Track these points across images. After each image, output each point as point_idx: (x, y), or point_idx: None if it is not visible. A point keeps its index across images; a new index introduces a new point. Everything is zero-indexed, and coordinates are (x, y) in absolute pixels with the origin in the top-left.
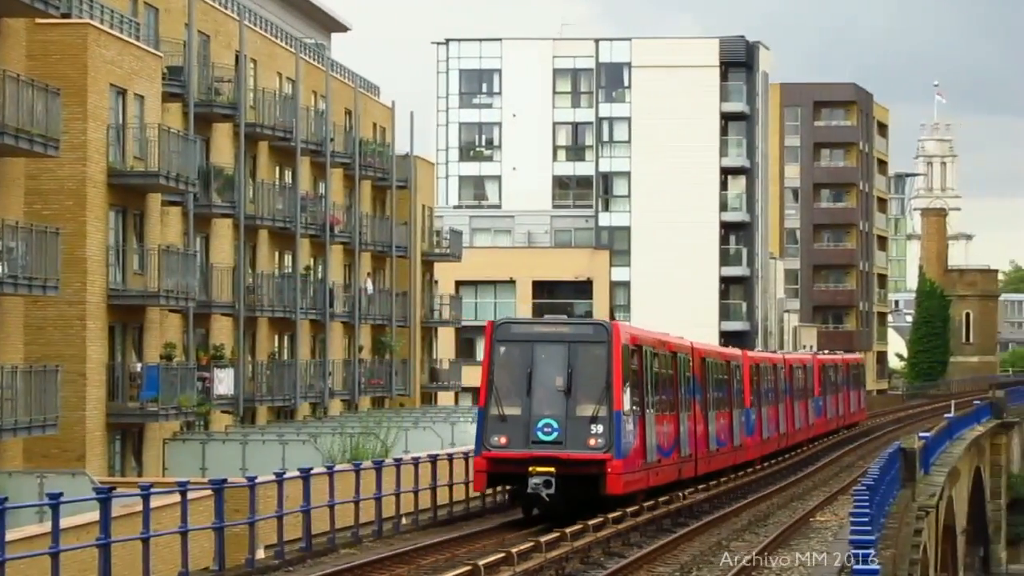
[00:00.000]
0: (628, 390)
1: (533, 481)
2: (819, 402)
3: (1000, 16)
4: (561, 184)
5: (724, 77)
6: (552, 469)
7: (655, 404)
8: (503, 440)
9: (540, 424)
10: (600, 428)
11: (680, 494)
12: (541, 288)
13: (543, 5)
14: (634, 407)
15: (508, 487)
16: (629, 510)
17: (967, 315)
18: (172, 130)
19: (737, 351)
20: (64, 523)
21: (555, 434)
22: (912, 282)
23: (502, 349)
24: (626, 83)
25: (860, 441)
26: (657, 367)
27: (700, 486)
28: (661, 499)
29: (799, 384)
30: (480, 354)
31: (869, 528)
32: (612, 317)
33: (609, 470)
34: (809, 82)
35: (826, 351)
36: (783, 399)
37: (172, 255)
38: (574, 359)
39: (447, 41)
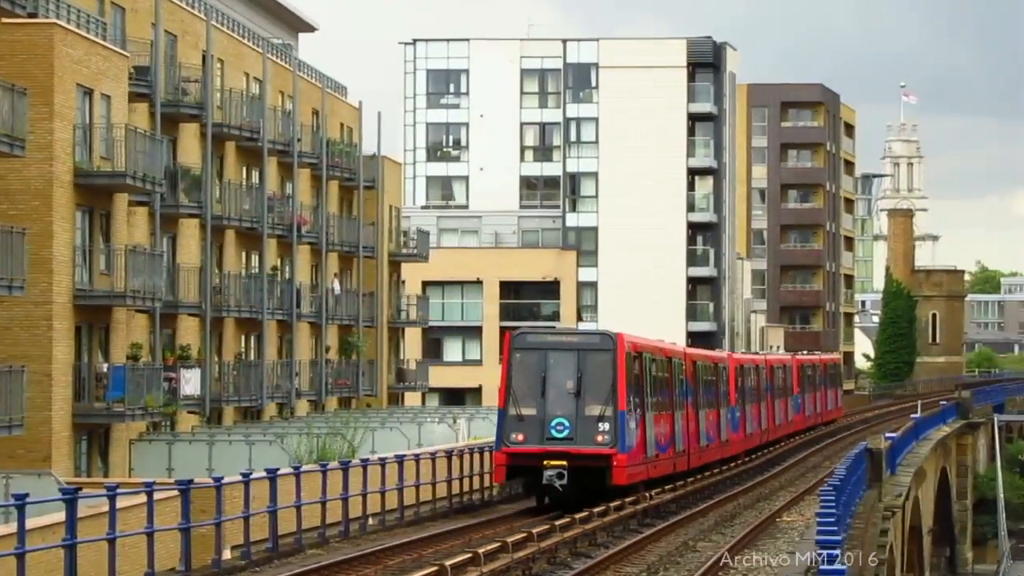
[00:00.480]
0: (630, 392)
1: (547, 473)
2: (798, 400)
3: (967, 18)
4: (528, 184)
5: (691, 78)
6: (564, 463)
7: (654, 404)
8: (520, 437)
9: (553, 423)
10: (606, 426)
11: (647, 494)
12: (508, 288)
13: (510, 6)
14: (636, 407)
15: (475, 487)
16: (596, 510)
17: (933, 316)
18: (139, 130)
19: (724, 354)
20: (30, 524)
21: (567, 431)
22: (879, 283)
23: (518, 356)
24: (593, 83)
25: (826, 442)
26: (655, 371)
27: (667, 486)
28: (628, 499)
29: (779, 383)
30: (447, 354)
31: (835, 528)
32: (579, 318)
33: (615, 463)
34: (776, 83)
35: (804, 352)
36: (765, 397)
37: (139, 255)
38: (583, 365)
39: (414, 41)
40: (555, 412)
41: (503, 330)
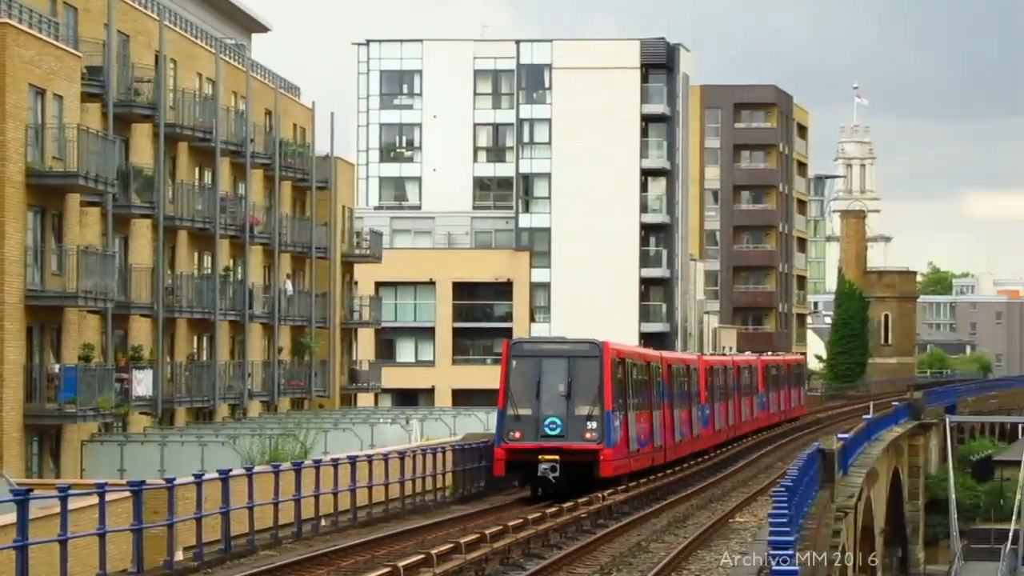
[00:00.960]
0: (615, 394)
1: (542, 467)
2: (763, 398)
3: (919, 20)
4: (481, 185)
5: (645, 79)
6: (557, 457)
7: (635, 404)
8: (518, 435)
9: (547, 421)
10: (594, 424)
11: (600, 495)
12: (461, 289)
13: (464, 7)
14: (620, 407)
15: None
16: (549, 511)
17: (886, 316)
18: (91, 130)
19: (694, 356)
20: None
21: (559, 429)
22: (831, 284)
23: (515, 363)
24: (547, 84)
25: (779, 443)
26: (636, 374)
27: (621, 486)
28: (581, 500)
29: (745, 383)
30: (400, 355)
31: (788, 529)
32: (532, 319)
33: (602, 458)
34: (729, 84)
35: (769, 352)
36: (732, 396)
37: (91, 256)
38: (573, 370)
39: (368, 42)
40: (548, 412)
41: (456, 331)
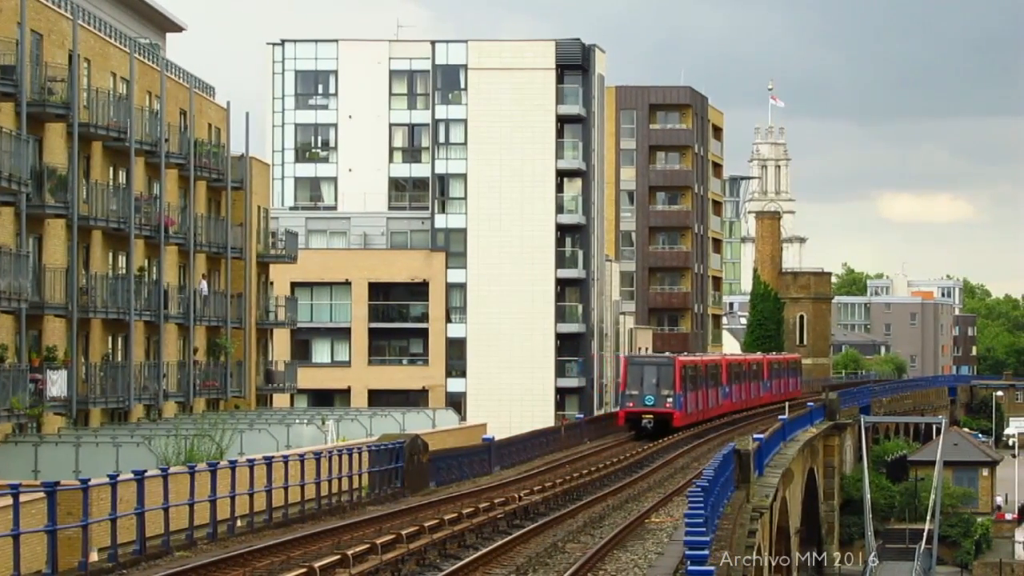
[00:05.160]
0: (682, 383)
1: (643, 421)
2: (768, 383)
3: (833, 22)
4: (397, 186)
5: (560, 80)
6: (652, 416)
7: (691, 387)
8: (632, 404)
9: (646, 397)
10: (671, 400)
11: (516, 495)
12: (377, 290)
13: (379, 7)
14: (683, 390)
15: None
16: (465, 511)
17: (801, 317)
18: (4, 130)
19: (719, 356)
20: None
21: (652, 401)
22: (746, 285)
23: (630, 367)
24: (462, 85)
25: (694, 443)
26: (691, 371)
27: (547, 483)
28: (497, 500)
29: (754, 372)
30: (316, 356)
31: (704, 529)
32: (448, 319)
33: (675, 416)
34: (644, 85)
35: (774, 352)
36: (744, 381)
37: (4, 256)
38: (660, 372)
39: (283, 42)
40: (647, 392)
41: (371, 331)
